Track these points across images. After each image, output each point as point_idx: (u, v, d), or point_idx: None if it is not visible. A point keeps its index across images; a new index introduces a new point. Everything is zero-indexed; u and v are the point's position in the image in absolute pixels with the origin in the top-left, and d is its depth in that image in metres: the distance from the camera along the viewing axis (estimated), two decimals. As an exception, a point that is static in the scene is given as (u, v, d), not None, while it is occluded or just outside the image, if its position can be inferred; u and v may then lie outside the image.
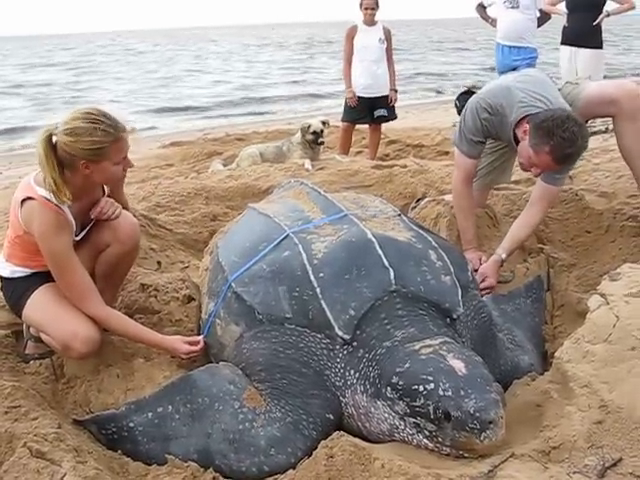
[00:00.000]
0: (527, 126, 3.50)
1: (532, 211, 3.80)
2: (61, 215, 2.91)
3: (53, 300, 3.04)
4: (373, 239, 2.88)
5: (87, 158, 2.84)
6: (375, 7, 7.74)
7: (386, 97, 7.95)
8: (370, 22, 7.81)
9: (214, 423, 2.57)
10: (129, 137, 2.94)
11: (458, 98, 4.36)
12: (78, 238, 3.12)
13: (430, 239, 3.05)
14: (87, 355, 3.00)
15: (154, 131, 14.17)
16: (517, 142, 3.68)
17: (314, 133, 7.29)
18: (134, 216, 3.46)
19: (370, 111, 7.95)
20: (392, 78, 8.01)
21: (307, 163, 6.74)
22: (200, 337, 3.13)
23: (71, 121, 2.83)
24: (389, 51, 7.95)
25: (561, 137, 3.35)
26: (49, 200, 2.87)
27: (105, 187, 3.21)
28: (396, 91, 8.12)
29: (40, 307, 3.06)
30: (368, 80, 7.84)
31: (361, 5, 7.75)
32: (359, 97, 7.87)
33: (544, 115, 3.45)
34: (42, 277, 3.08)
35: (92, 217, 3.14)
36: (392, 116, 8.17)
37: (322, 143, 7.47)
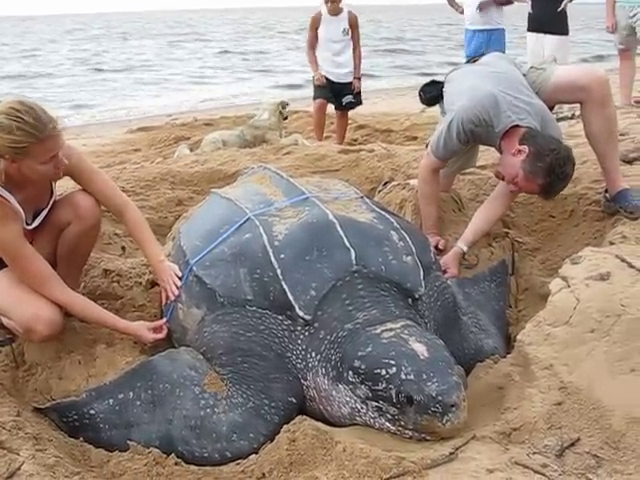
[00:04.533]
0: (525, 148, 3.43)
1: (497, 203, 3.81)
2: (6, 205, 2.87)
3: (14, 283, 2.99)
4: (334, 220, 2.87)
5: (9, 154, 2.74)
6: None
7: (351, 84, 7.82)
8: (334, 11, 7.59)
9: (175, 409, 2.56)
10: (59, 135, 2.81)
11: (423, 89, 4.30)
12: (31, 227, 3.08)
13: (392, 220, 3.05)
14: (50, 337, 2.96)
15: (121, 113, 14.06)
16: (501, 149, 3.66)
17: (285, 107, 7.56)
18: None
19: (337, 96, 7.80)
20: (357, 67, 7.83)
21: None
22: (163, 321, 3.10)
23: None
24: (354, 38, 7.75)
25: (557, 176, 3.41)
26: None
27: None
28: (359, 79, 7.91)
29: (1, 290, 3.00)
30: (331, 69, 7.74)
31: None
32: (326, 78, 7.71)
33: (547, 146, 3.41)
34: (1, 263, 3.03)
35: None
36: (358, 102, 8.00)
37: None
